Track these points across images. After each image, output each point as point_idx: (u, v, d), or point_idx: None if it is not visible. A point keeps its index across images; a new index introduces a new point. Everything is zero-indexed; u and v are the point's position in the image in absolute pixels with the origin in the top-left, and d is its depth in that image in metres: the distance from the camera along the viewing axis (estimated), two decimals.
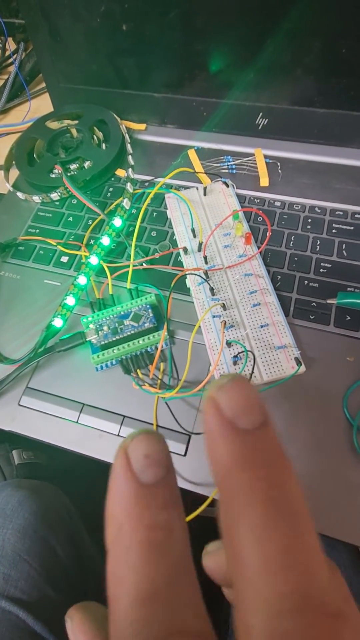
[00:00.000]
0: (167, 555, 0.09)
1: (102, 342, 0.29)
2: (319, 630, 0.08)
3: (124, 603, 0.08)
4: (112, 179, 0.40)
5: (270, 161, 0.39)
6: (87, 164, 0.39)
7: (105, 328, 0.30)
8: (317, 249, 0.34)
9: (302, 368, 0.28)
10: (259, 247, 0.33)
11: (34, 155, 0.42)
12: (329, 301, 0.31)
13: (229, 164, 0.39)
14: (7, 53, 0.54)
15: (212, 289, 0.31)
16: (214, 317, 0.30)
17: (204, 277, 0.31)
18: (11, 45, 0.55)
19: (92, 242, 0.36)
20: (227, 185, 0.36)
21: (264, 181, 0.38)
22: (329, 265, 0.33)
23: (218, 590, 0.15)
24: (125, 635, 0.08)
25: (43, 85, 0.52)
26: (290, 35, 0.33)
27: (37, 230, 0.38)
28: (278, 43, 0.34)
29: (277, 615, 0.08)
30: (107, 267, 0.33)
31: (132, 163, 0.40)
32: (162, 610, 0.08)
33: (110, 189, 0.39)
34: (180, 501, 0.10)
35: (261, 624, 0.08)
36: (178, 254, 0.34)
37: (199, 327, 0.29)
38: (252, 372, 0.27)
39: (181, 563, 0.09)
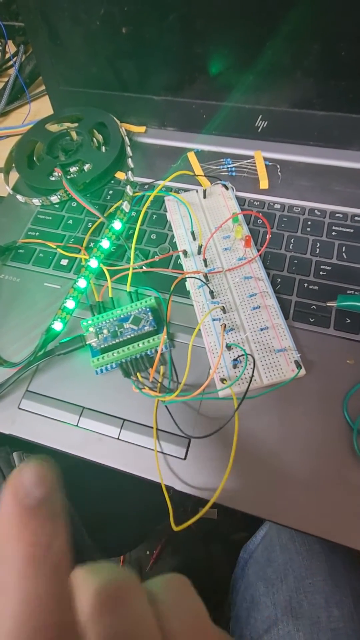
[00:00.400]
0: (44, 567, 0.10)
1: (102, 346, 0.29)
2: None
3: (8, 611, 0.10)
4: (112, 181, 0.40)
5: (270, 164, 0.39)
6: (86, 167, 0.39)
7: (105, 331, 0.30)
8: (317, 252, 0.34)
9: (302, 371, 0.27)
10: (258, 250, 0.33)
11: (34, 158, 0.42)
12: (328, 304, 0.31)
13: (229, 166, 0.39)
14: (7, 56, 0.54)
15: (211, 292, 0.31)
16: (213, 320, 0.30)
17: (204, 280, 0.31)
18: (11, 48, 0.55)
19: (91, 245, 0.36)
20: (227, 188, 0.36)
21: (264, 184, 0.38)
22: (329, 268, 0.33)
23: (219, 595, 0.15)
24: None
25: (43, 87, 0.52)
26: (290, 38, 0.33)
27: (37, 233, 0.38)
28: (277, 46, 0.34)
29: None
30: (107, 270, 0.33)
31: (132, 166, 0.40)
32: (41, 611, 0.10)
33: (110, 192, 0.39)
34: (61, 515, 0.11)
35: None
36: (178, 257, 0.34)
37: (199, 330, 0.29)
38: (252, 375, 0.27)
39: (58, 571, 0.11)
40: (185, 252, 0.33)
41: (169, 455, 0.27)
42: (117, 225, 0.34)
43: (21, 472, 0.12)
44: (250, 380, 0.26)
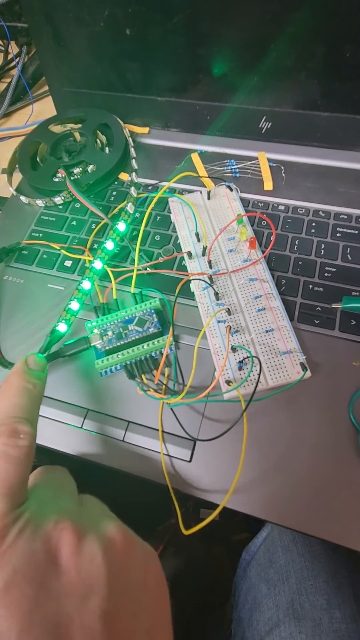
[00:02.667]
0: None
1: (107, 347, 0.29)
2: None
3: None
4: (115, 182, 0.40)
5: (274, 165, 0.39)
6: (90, 168, 0.39)
7: (109, 333, 0.30)
8: (322, 253, 0.34)
9: (308, 373, 0.27)
10: (263, 252, 0.33)
11: (38, 159, 0.42)
12: (333, 305, 0.31)
13: (233, 167, 0.39)
14: (10, 56, 0.54)
15: (216, 294, 0.31)
16: (218, 322, 0.30)
17: (209, 281, 0.31)
18: (14, 48, 0.55)
19: (95, 246, 0.36)
20: (231, 189, 0.36)
21: (268, 185, 0.38)
22: (334, 270, 0.33)
23: (221, 596, 0.16)
24: None
25: (46, 88, 0.52)
26: (294, 40, 0.33)
27: (41, 234, 0.38)
28: (282, 47, 0.34)
29: None
30: (111, 271, 0.33)
31: (136, 167, 0.40)
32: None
33: (114, 193, 0.39)
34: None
35: None
36: (182, 258, 0.34)
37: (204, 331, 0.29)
38: (259, 378, 0.27)
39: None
40: (189, 254, 0.33)
41: (174, 457, 0.27)
42: (121, 226, 0.34)
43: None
44: (257, 383, 0.26)
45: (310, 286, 0.32)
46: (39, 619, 0.13)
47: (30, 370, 0.22)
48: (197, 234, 0.34)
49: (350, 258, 0.33)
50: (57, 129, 0.43)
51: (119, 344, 0.29)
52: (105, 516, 0.19)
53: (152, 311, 0.31)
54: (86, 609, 0.14)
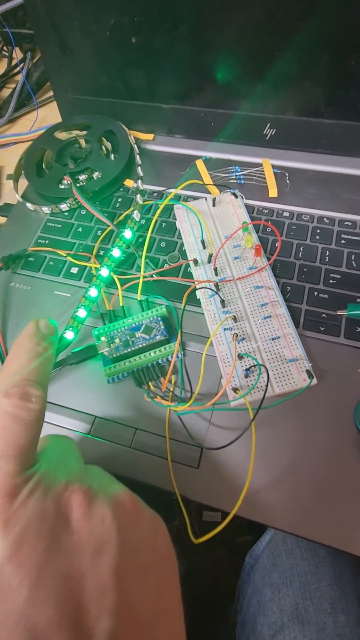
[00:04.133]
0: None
1: (114, 355, 0.30)
2: None
3: None
4: (121, 189, 0.40)
5: (279, 171, 0.39)
6: (96, 175, 0.39)
7: (116, 340, 0.30)
8: (327, 260, 0.34)
9: (314, 381, 0.28)
10: (268, 259, 0.33)
11: (43, 166, 0.42)
12: (339, 312, 0.31)
13: (237, 174, 0.39)
14: (14, 62, 0.55)
15: (222, 301, 0.31)
16: (225, 329, 0.30)
17: (215, 289, 0.31)
18: (18, 54, 0.55)
19: (101, 252, 0.36)
20: (236, 196, 0.37)
21: (273, 192, 0.38)
22: (339, 276, 0.33)
23: (224, 599, 0.17)
24: None
25: (50, 94, 0.53)
26: (299, 48, 0.33)
27: (47, 241, 0.38)
28: (286, 55, 0.34)
29: None
30: (118, 278, 0.33)
31: (141, 174, 0.40)
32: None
33: (119, 200, 0.40)
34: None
35: None
36: (187, 265, 0.34)
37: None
38: (267, 387, 0.27)
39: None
40: (195, 261, 0.33)
41: (181, 464, 0.27)
42: (127, 234, 0.34)
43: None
44: (265, 391, 0.26)
45: (316, 293, 0.32)
46: (50, 574, 0.14)
47: (42, 333, 0.22)
48: (202, 241, 0.34)
49: (355, 265, 0.33)
50: (62, 135, 0.43)
51: (126, 351, 0.30)
52: (113, 482, 0.20)
53: (159, 318, 0.31)
54: (98, 565, 0.15)
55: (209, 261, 0.33)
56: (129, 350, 0.30)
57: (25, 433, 0.17)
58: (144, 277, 0.33)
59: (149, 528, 0.18)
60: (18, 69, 0.54)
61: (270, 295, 0.31)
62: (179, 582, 0.17)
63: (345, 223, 0.36)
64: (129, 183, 0.40)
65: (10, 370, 0.19)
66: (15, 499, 0.15)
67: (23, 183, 0.42)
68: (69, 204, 0.39)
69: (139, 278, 0.33)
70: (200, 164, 0.40)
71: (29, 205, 0.40)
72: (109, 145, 0.42)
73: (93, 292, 0.32)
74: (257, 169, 0.39)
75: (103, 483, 0.19)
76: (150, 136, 0.44)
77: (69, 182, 0.39)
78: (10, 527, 0.14)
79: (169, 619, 0.16)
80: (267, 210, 0.37)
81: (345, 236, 0.35)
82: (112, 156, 0.41)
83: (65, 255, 0.36)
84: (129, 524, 0.17)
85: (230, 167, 0.40)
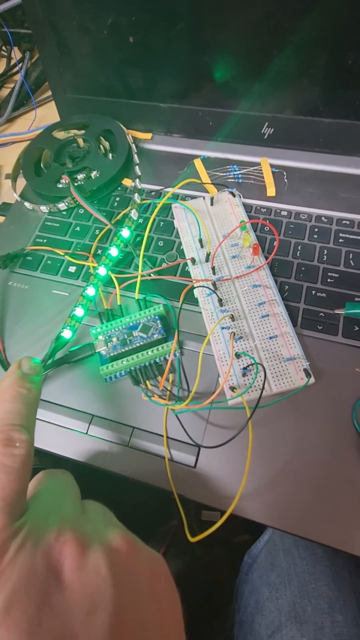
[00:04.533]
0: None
1: (112, 354, 0.30)
2: None
3: None
4: (119, 188, 0.40)
5: (277, 170, 0.39)
6: (94, 174, 0.39)
7: (114, 339, 0.30)
8: (324, 259, 0.34)
9: (312, 379, 0.28)
10: (266, 258, 0.33)
11: (41, 165, 0.42)
12: (336, 311, 0.31)
13: (235, 173, 0.39)
14: (13, 62, 0.55)
15: (220, 300, 0.31)
16: (222, 328, 0.30)
17: (212, 288, 0.31)
18: (17, 54, 0.55)
19: (99, 251, 0.36)
20: (234, 195, 0.37)
21: (271, 191, 0.38)
22: (336, 275, 0.33)
23: (222, 598, 0.16)
24: None
25: (49, 93, 0.53)
26: (297, 47, 0.33)
27: (45, 240, 0.38)
28: (284, 54, 0.34)
29: None
30: (115, 277, 0.33)
31: (139, 173, 0.40)
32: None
33: (117, 199, 0.40)
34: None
35: None
36: (185, 264, 0.34)
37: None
38: (264, 386, 0.27)
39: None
40: (193, 260, 0.33)
41: (178, 463, 0.27)
42: (125, 233, 0.34)
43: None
44: (262, 390, 0.26)
45: (313, 292, 0.32)
46: (41, 639, 0.13)
47: (25, 374, 0.21)
48: (200, 240, 0.34)
49: (352, 264, 0.33)
50: (60, 135, 0.43)
51: (123, 350, 0.30)
52: (110, 524, 0.19)
53: (157, 317, 0.31)
54: (92, 625, 0.14)
55: (207, 260, 0.33)
56: (127, 349, 0.30)
57: (11, 482, 0.16)
58: (142, 276, 0.33)
59: (147, 573, 0.17)
60: (16, 68, 0.54)
61: (267, 294, 0.31)
62: (182, 628, 0.17)
63: (343, 222, 0.36)
64: (127, 182, 0.40)
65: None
66: (3, 556, 0.14)
67: (21, 182, 0.42)
68: (67, 203, 0.39)
69: (136, 277, 0.33)
70: (198, 163, 0.40)
71: (27, 204, 0.40)
72: (107, 144, 0.42)
73: (91, 291, 0.32)
74: (255, 168, 0.39)
75: (98, 527, 0.18)
76: (148, 135, 0.44)
77: (67, 182, 0.39)
78: (0, 586, 0.13)
79: None
80: (265, 209, 0.37)
81: (343, 235, 0.35)
82: (110, 155, 0.41)
83: (63, 254, 0.36)
84: (125, 574, 0.16)
85: (228, 166, 0.40)
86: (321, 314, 0.31)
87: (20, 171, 0.41)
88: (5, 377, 0.21)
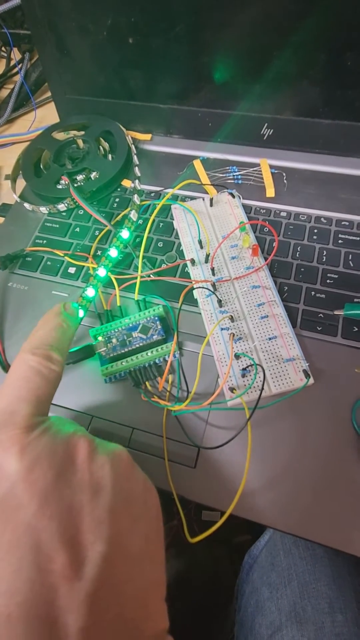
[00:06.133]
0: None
1: (111, 355, 0.30)
2: None
3: None
4: (119, 189, 0.41)
5: (276, 171, 0.39)
6: (93, 175, 0.39)
7: (113, 340, 0.30)
8: (324, 260, 0.34)
9: (311, 380, 0.28)
10: (265, 259, 0.33)
11: (41, 166, 0.42)
12: (336, 312, 0.31)
13: (235, 174, 0.39)
14: (12, 63, 0.55)
15: (219, 301, 0.31)
16: (222, 329, 0.30)
17: (212, 289, 0.31)
18: (16, 55, 0.55)
19: (99, 252, 0.37)
20: (234, 196, 0.37)
21: (270, 192, 0.38)
22: (336, 276, 0.33)
23: (223, 598, 0.17)
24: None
25: (48, 94, 0.53)
26: (296, 48, 0.33)
27: (44, 241, 0.38)
28: (284, 55, 0.34)
29: None
30: (115, 278, 0.33)
31: (139, 174, 0.40)
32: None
33: (117, 200, 0.40)
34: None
35: None
36: (185, 265, 0.34)
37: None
38: (263, 387, 0.27)
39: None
40: (192, 261, 0.33)
41: (178, 463, 0.27)
42: (125, 234, 0.34)
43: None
44: (262, 391, 0.26)
45: (313, 293, 0.32)
46: (55, 499, 0.15)
47: (67, 314, 0.25)
48: (199, 241, 0.34)
49: (352, 265, 0.34)
50: (60, 136, 0.43)
51: (123, 351, 0.30)
52: (112, 442, 0.22)
53: (156, 318, 0.31)
54: (96, 502, 0.16)
55: (206, 261, 0.33)
56: (126, 350, 0.30)
57: (44, 387, 0.19)
58: (142, 277, 0.33)
59: (141, 484, 0.20)
60: (16, 69, 0.54)
61: (267, 295, 0.31)
62: (163, 540, 0.19)
63: (343, 223, 0.36)
64: (126, 183, 0.40)
65: (38, 336, 0.22)
66: (30, 433, 0.17)
67: (21, 183, 0.42)
68: (66, 204, 0.39)
69: (136, 278, 0.33)
70: (197, 164, 0.40)
71: (26, 205, 0.40)
72: (106, 145, 0.42)
73: (90, 292, 0.32)
74: (254, 169, 0.39)
75: (103, 441, 0.21)
76: (147, 136, 0.44)
77: (66, 182, 0.39)
78: (26, 454, 0.16)
79: (153, 565, 0.18)
80: (264, 210, 0.37)
81: (343, 236, 0.35)
82: (109, 156, 0.41)
83: (62, 255, 0.36)
84: (124, 477, 0.19)
85: (227, 167, 0.40)
86: (320, 314, 0.31)
87: (20, 172, 0.41)
88: (51, 312, 0.25)
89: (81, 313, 0.32)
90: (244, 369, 0.28)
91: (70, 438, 0.18)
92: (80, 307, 0.31)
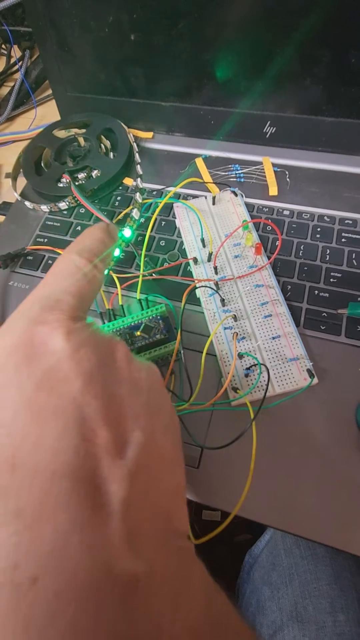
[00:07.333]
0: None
1: None
2: None
3: None
4: (120, 187, 0.40)
5: (279, 169, 0.39)
6: (95, 173, 0.39)
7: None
8: (327, 259, 0.34)
9: (315, 380, 0.28)
10: (269, 257, 0.33)
11: (42, 164, 0.42)
12: (339, 311, 0.31)
13: (237, 172, 0.39)
14: (13, 60, 0.54)
15: (222, 300, 0.31)
16: (225, 328, 0.30)
17: (215, 288, 0.31)
18: (16, 52, 0.55)
19: None
20: (236, 195, 0.36)
21: (273, 190, 0.38)
22: (339, 275, 0.33)
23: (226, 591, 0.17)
24: None
25: (49, 92, 0.52)
26: (299, 45, 0.33)
27: (46, 240, 0.38)
28: (287, 53, 0.34)
29: None
30: (117, 277, 0.33)
31: (141, 172, 0.40)
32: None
33: (118, 198, 0.39)
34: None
35: None
36: (187, 264, 0.34)
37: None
38: (267, 387, 0.27)
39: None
40: (195, 260, 0.33)
41: None
42: (127, 232, 0.34)
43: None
44: (266, 391, 0.26)
45: (316, 292, 0.32)
46: (100, 383, 0.15)
47: (110, 232, 0.24)
48: (202, 240, 0.34)
49: (355, 263, 0.33)
50: (61, 133, 0.43)
51: None
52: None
53: (159, 317, 0.31)
54: (135, 399, 0.16)
55: (209, 260, 0.33)
56: (129, 349, 0.29)
57: (87, 288, 0.19)
58: (144, 275, 0.33)
59: (168, 400, 0.20)
60: (16, 67, 0.53)
61: (270, 294, 0.31)
62: (183, 454, 0.19)
63: (346, 221, 0.36)
64: (128, 181, 0.40)
65: (84, 242, 0.22)
66: (76, 322, 0.17)
67: (22, 181, 0.42)
68: (67, 203, 0.38)
69: (138, 277, 0.33)
70: (200, 162, 0.40)
71: (27, 203, 0.40)
72: (108, 143, 0.42)
73: (127, 232, 0.32)
74: (257, 167, 0.39)
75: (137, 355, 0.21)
76: (149, 134, 0.43)
77: (67, 181, 0.38)
78: (72, 336, 0.16)
79: (180, 470, 0.18)
80: (267, 209, 0.37)
81: (346, 235, 0.35)
82: (111, 154, 0.41)
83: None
84: (157, 387, 0.19)
85: (230, 165, 0.40)
86: (324, 314, 0.31)
87: (21, 170, 0.41)
88: (96, 226, 0.24)
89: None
90: (247, 369, 0.28)
91: (111, 339, 0.18)
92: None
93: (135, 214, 0.35)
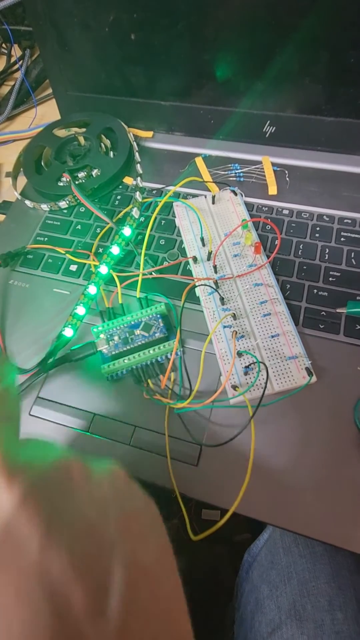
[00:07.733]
0: None
1: (113, 352, 0.30)
2: None
3: None
4: (120, 186, 0.40)
5: (278, 169, 0.39)
6: (95, 172, 0.39)
7: (115, 338, 0.30)
8: (326, 258, 0.34)
9: (314, 378, 0.28)
10: (268, 256, 0.33)
11: (42, 163, 0.42)
12: (338, 310, 0.31)
13: (237, 172, 0.39)
14: (13, 59, 0.54)
15: (222, 299, 0.31)
16: (224, 327, 0.30)
17: (214, 286, 0.31)
18: (17, 51, 0.55)
19: (100, 250, 0.36)
20: (236, 194, 0.37)
21: (272, 189, 0.38)
22: (338, 274, 0.33)
23: (223, 596, 0.17)
24: None
25: (49, 91, 0.53)
26: (299, 45, 0.33)
27: (46, 239, 0.38)
28: (286, 53, 0.34)
29: None
30: (117, 276, 0.33)
31: (141, 171, 0.40)
32: None
33: (118, 197, 0.39)
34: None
35: None
36: (187, 263, 0.34)
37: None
38: (266, 384, 0.27)
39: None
40: (195, 259, 0.33)
41: (180, 461, 0.27)
42: (127, 231, 0.34)
43: None
44: (265, 389, 0.26)
45: (315, 291, 0.32)
46: (58, 527, 0.14)
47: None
48: (202, 239, 0.34)
49: (354, 262, 0.33)
50: (61, 133, 0.43)
51: (125, 348, 0.30)
52: (103, 459, 0.20)
53: (158, 316, 0.31)
54: (105, 520, 0.15)
55: (209, 259, 0.33)
56: (128, 347, 0.30)
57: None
58: (143, 274, 0.33)
59: (142, 500, 0.18)
60: (17, 66, 0.53)
61: (269, 293, 0.31)
62: (172, 550, 0.18)
63: (345, 221, 0.36)
64: (128, 180, 0.40)
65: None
66: (10, 466, 0.15)
67: (22, 180, 0.42)
68: (67, 202, 0.38)
69: (138, 275, 0.33)
70: (199, 162, 0.40)
71: (27, 202, 0.40)
72: (108, 142, 0.42)
73: (92, 290, 0.32)
74: (256, 166, 0.39)
75: (94, 459, 0.19)
76: (149, 133, 0.43)
77: (67, 180, 0.38)
78: (14, 485, 0.14)
79: (172, 576, 0.17)
80: (266, 208, 0.37)
81: (345, 234, 0.35)
82: (111, 153, 0.41)
83: (64, 252, 0.36)
84: (125, 494, 0.18)
85: (229, 165, 0.40)
86: (323, 312, 0.31)
87: (21, 169, 0.41)
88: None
89: (82, 310, 0.31)
90: (246, 367, 0.28)
91: (60, 462, 0.17)
92: (82, 304, 0.31)
93: (135, 213, 0.35)
